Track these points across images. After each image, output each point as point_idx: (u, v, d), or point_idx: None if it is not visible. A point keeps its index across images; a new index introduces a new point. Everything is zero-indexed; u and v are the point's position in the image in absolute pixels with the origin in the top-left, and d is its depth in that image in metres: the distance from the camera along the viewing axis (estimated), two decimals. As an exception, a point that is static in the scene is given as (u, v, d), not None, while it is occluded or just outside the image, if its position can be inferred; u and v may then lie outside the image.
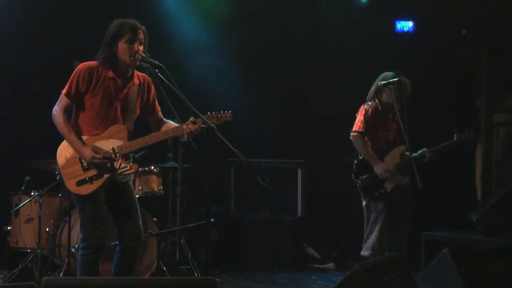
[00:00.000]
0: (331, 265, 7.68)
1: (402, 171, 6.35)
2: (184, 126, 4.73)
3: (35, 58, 6.92)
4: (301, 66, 8.63)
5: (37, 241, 6.20)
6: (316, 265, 7.57)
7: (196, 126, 4.68)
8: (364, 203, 6.42)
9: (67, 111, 4.71)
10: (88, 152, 4.64)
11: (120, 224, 4.89)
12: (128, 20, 4.76)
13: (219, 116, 4.79)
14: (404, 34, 9.23)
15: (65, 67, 4.91)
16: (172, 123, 4.97)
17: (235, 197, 7.95)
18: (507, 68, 9.19)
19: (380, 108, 6.41)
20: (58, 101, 4.72)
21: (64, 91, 4.71)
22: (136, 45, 4.71)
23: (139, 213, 4.95)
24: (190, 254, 6.80)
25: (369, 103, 6.42)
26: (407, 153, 6.28)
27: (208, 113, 4.77)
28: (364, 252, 6.31)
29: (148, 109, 5.02)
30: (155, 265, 6.40)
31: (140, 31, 4.74)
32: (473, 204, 8.64)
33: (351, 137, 6.38)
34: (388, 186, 6.30)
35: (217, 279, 3.68)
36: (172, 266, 6.67)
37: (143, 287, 3.30)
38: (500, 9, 8.06)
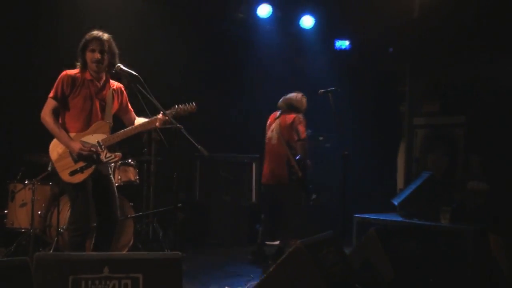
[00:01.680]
0: (277, 242, 7.73)
1: None
2: (158, 116, 4.76)
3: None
4: (257, 75, 8.64)
5: (30, 222, 6.13)
6: (266, 242, 7.60)
7: (165, 117, 4.72)
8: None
9: (54, 112, 4.67)
10: (76, 145, 4.62)
11: (100, 211, 4.87)
12: (94, 32, 4.76)
13: (184, 108, 4.83)
14: (342, 51, 9.33)
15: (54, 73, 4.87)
16: (143, 119, 4.98)
17: (200, 186, 7.97)
18: (424, 81, 9.34)
19: None
20: (45, 105, 4.67)
21: (51, 95, 4.67)
22: (96, 54, 4.71)
23: (117, 203, 4.93)
24: (161, 233, 6.81)
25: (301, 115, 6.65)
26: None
27: (176, 105, 4.81)
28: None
29: (122, 110, 5.01)
30: (131, 243, 6.39)
31: (99, 41, 4.73)
32: (395, 192, 8.79)
33: (301, 144, 6.53)
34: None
35: (182, 254, 3.68)
36: (146, 244, 6.63)
37: (120, 260, 3.29)
38: (419, 32, 8.17)
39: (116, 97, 4.95)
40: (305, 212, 6.78)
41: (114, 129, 4.89)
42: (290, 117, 6.62)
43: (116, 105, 4.95)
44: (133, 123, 5.02)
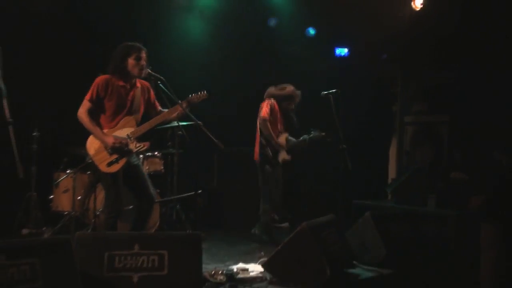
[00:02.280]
0: (286, 224, 7.71)
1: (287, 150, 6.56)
2: (178, 107, 4.82)
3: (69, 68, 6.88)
4: (264, 77, 8.63)
5: (72, 206, 6.21)
6: (275, 224, 7.59)
7: (183, 108, 4.78)
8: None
9: (89, 112, 4.72)
10: (109, 140, 4.66)
11: (138, 196, 4.93)
12: (134, 43, 4.81)
13: (198, 96, 4.89)
14: (341, 57, 9.28)
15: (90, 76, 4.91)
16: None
17: (218, 174, 7.98)
18: (414, 84, 9.32)
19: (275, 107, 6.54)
20: (82, 105, 4.73)
21: (87, 97, 4.72)
22: (142, 61, 4.76)
23: (150, 184, 4.98)
24: (183, 216, 6.84)
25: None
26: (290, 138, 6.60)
27: (189, 95, 4.86)
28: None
29: (150, 106, 5.07)
30: (157, 224, 6.43)
31: (143, 50, 4.79)
32: (388, 181, 8.78)
33: (260, 122, 6.44)
34: (279, 159, 6.50)
35: (202, 234, 3.72)
36: (170, 225, 6.67)
37: (148, 238, 3.34)
38: (410, 41, 8.14)
39: (143, 95, 5.00)
40: (275, 194, 6.58)
41: (141, 123, 4.95)
42: (264, 102, 6.58)
43: (143, 102, 5.00)
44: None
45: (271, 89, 6.63)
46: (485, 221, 5.01)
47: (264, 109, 6.43)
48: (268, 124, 6.43)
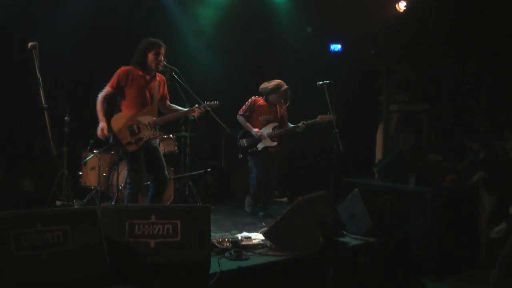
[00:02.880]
0: (285, 199, 7.73)
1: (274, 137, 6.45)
2: (195, 108, 4.81)
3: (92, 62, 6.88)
4: (266, 70, 8.59)
5: (97, 181, 6.26)
6: (275, 199, 7.61)
7: (200, 111, 4.77)
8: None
9: (107, 98, 4.74)
10: (100, 127, 4.67)
11: (155, 174, 4.95)
12: (155, 39, 4.80)
13: (213, 105, 4.91)
14: (335, 53, 9.26)
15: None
16: (177, 107, 5.02)
17: (225, 154, 7.98)
18: (398, 76, 9.31)
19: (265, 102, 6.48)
20: (103, 90, 4.75)
21: (109, 84, 4.74)
22: (160, 57, 4.75)
23: (165, 166, 5.01)
24: (195, 191, 6.89)
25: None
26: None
27: (204, 102, 4.86)
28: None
29: (163, 97, 5.06)
30: (172, 198, 6.49)
31: (163, 47, 4.78)
32: (375, 161, 8.81)
33: (238, 118, 6.47)
34: (259, 146, 6.44)
35: (211, 206, 3.73)
36: (183, 199, 6.72)
37: (164, 210, 3.36)
38: (394, 39, 8.12)
39: (161, 87, 5.00)
40: (264, 177, 6.55)
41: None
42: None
43: (160, 94, 5.00)
44: (166, 107, 5.08)
45: (261, 85, 6.56)
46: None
47: (243, 107, 6.47)
48: (243, 119, 6.46)
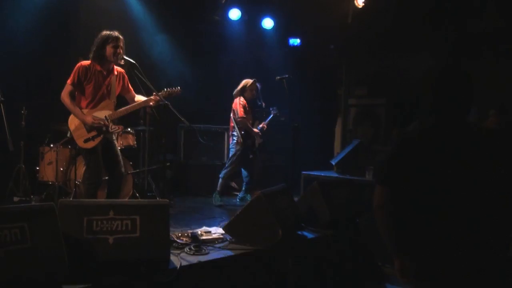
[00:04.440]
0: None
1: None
2: (152, 97, 4.79)
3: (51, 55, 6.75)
4: (226, 64, 8.62)
5: (55, 176, 6.16)
6: (235, 193, 7.67)
7: (158, 98, 4.75)
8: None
9: (71, 94, 4.68)
10: (89, 119, 4.64)
11: (110, 170, 4.91)
12: (113, 31, 4.74)
13: (171, 91, 4.86)
14: (294, 47, 9.35)
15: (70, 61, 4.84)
16: (141, 97, 4.99)
17: (183, 149, 7.99)
18: (356, 71, 9.47)
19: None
20: (64, 88, 4.69)
21: (69, 81, 4.67)
22: (119, 49, 4.70)
23: (122, 161, 4.98)
24: (153, 186, 6.87)
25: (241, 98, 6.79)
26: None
27: (164, 89, 4.84)
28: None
29: (124, 90, 5.02)
30: (131, 193, 6.43)
31: (120, 40, 4.73)
32: (333, 154, 8.95)
33: (239, 121, 6.68)
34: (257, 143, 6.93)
35: (170, 201, 3.75)
36: (142, 193, 6.68)
37: (122, 205, 3.36)
38: (353, 34, 8.25)
39: (119, 81, 4.95)
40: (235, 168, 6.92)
41: (117, 106, 4.93)
42: (234, 101, 6.79)
43: (119, 87, 4.96)
44: (133, 100, 5.04)
45: (236, 90, 6.86)
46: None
47: (239, 110, 6.66)
48: (246, 121, 6.71)
